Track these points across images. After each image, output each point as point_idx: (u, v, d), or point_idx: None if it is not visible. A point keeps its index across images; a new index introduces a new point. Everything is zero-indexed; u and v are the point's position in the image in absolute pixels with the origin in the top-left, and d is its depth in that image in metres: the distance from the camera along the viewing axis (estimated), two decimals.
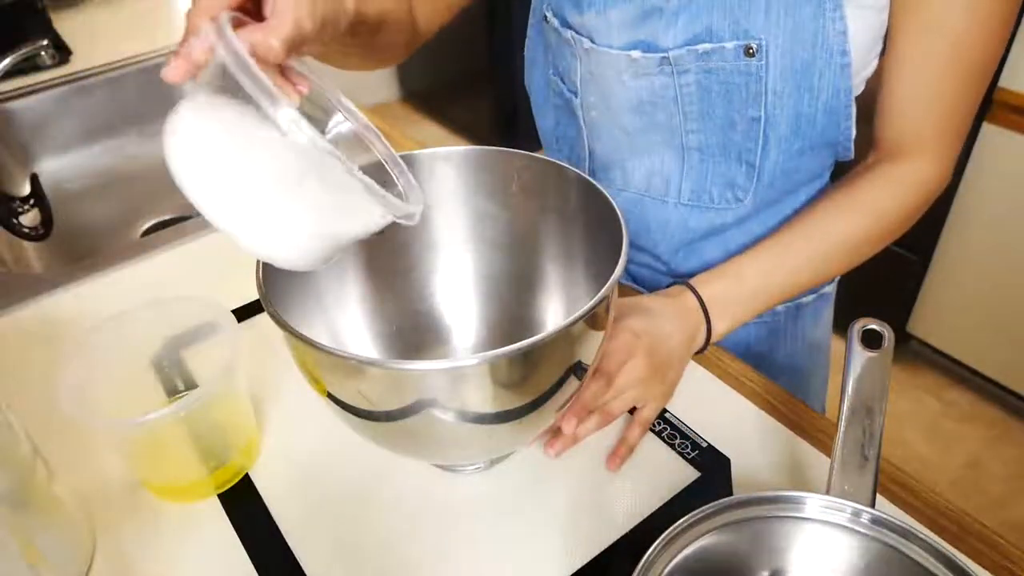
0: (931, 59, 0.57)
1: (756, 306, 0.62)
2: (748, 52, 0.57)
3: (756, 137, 0.62)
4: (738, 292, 0.61)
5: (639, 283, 0.80)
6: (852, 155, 0.65)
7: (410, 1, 0.68)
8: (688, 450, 0.57)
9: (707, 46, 0.58)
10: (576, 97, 0.70)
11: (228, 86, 0.34)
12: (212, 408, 0.53)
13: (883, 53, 0.60)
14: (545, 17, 0.70)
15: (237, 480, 0.57)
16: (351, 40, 0.53)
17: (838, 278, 0.78)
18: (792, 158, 0.64)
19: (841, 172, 0.68)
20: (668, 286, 0.62)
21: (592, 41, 0.64)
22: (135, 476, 0.56)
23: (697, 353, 0.62)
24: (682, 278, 0.63)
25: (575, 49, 0.67)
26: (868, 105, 0.63)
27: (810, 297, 0.76)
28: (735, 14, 0.56)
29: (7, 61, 1.00)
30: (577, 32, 0.66)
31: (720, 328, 0.61)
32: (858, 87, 0.62)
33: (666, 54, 0.60)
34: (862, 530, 0.42)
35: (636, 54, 0.62)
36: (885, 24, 0.58)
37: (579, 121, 0.72)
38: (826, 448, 0.58)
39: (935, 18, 0.55)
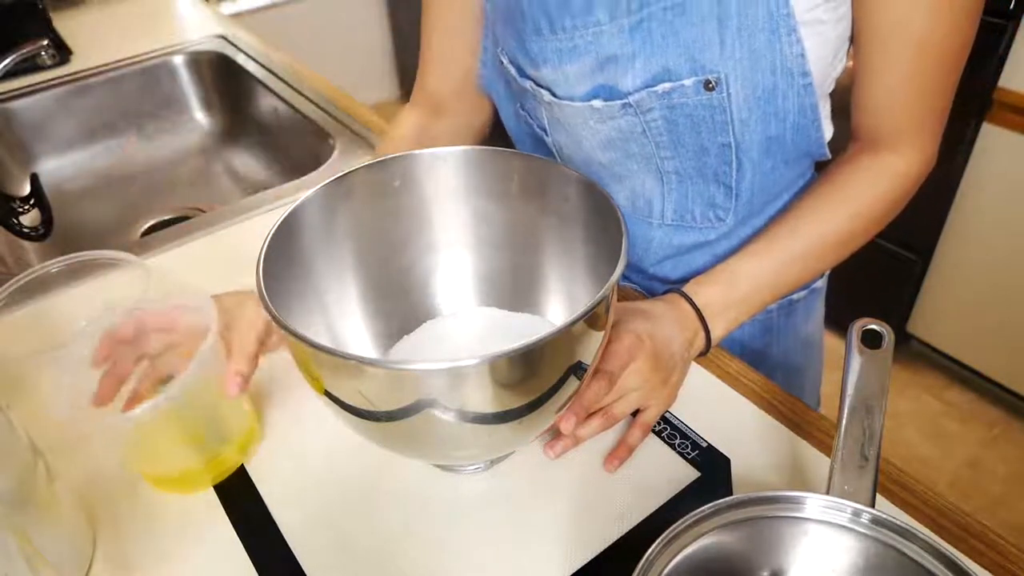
0: (900, 57, 0.56)
1: (750, 308, 0.62)
2: (708, 87, 0.57)
3: (729, 161, 0.62)
4: (732, 296, 0.61)
5: (638, 285, 0.80)
6: (828, 156, 0.65)
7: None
8: (688, 450, 0.57)
9: (667, 85, 0.57)
10: (547, 135, 0.70)
11: None
12: (199, 396, 0.52)
13: (851, 50, 0.60)
14: (501, 61, 0.69)
15: (234, 470, 0.57)
16: None
17: (828, 273, 0.79)
18: (767, 175, 0.64)
19: (825, 161, 0.68)
20: (664, 293, 0.63)
21: (553, 94, 0.63)
22: (133, 469, 0.57)
23: (698, 356, 0.62)
24: (676, 284, 0.63)
25: (537, 97, 0.66)
26: (843, 99, 0.63)
27: (802, 293, 0.76)
28: (690, 51, 0.56)
29: (7, 61, 1.00)
30: (536, 83, 0.65)
31: (718, 332, 0.61)
32: (827, 89, 0.62)
33: (627, 99, 0.59)
34: (862, 530, 0.42)
35: (598, 103, 0.61)
36: (847, 31, 0.57)
37: (554, 155, 0.72)
38: (826, 448, 0.58)
39: (897, 21, 0.54)
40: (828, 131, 0.64)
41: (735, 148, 0.61)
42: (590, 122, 0.63)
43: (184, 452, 0.55)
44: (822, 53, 0.56)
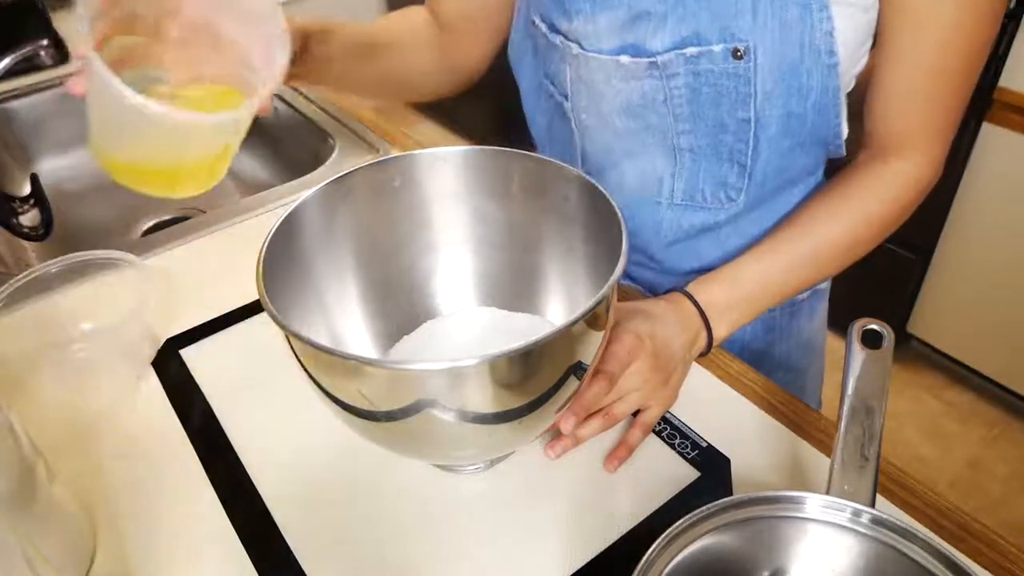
0: (921, 56, 0.56)
1: (753, 310, 0.62)
2: (736, 55, 0.57)
3: (746, 138, 0.62)
4: (735, 297, 0.61)
5: (637, 283, 0.80)
6: (844, 152, 0.65)
7: (433, 41, 0.76)
8: (688, 450, 0.57)
9: (695, 50, 0.58)
10: (567, 100, 0.70)
11: None
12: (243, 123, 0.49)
13: (872, 49, 0.60)
14: (533, 21, 0.70)
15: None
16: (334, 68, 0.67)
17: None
18: (783, 157, 0.64)
19: (834, 168, 0.68)
20: (667, 292, 0.63)
21: (581, 46, 0.64)
22: (105, 149, 0.49)
23: (699, 356, 0.62)
24: (681, 277, 0.63)
25: (564, 54, 0.66)
26: (859, 102, 0.63)
27: (805, 294, 0.76)
28: (722, 17, 0.56)
29: (7, 61, 1.00)
30: (566, 37, 0.65)
31: (720, 333, 0.61)
32: (848, 84, 0.62)
33: (654, 58, 0.60)
34: (862, 530, 0.42)
35: (625, 59, 0.61)
36: (873, 22, 0.57)
37: (571, 124, 0.72)
38: (826, 448, 0.58)
39: (924, 15, 0.55)
40: (845, 129, 0.65)
41: (754, 124, 0.61)
42: (613, 80, 0.64)
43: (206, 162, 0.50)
44: (849, 37, 0.57)
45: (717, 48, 0.57)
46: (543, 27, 0.68)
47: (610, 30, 0.61)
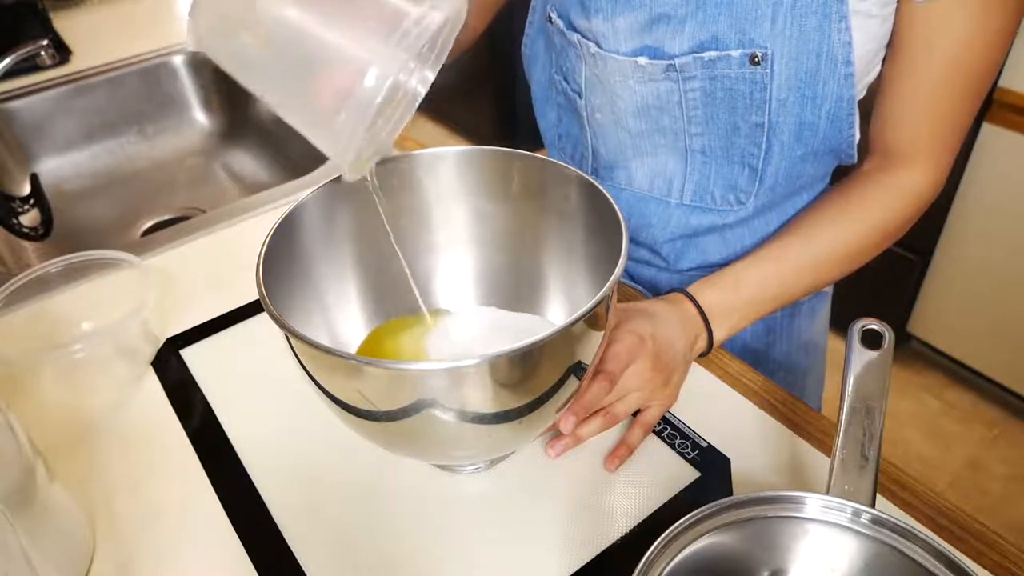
0: (931, 70, 0.57)
1: (752, 314, 0.62)
2: (753, 61, 0.57)
3: (759, 142, 0.62)
4: (735, 300, 0.61)
5: (638, 282, 0.80)
6: (855, 160, 0.65)
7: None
8: (688, 450, 0.57)
9: (713, 54, 0.58)
10: (580, 98, 0.71)
11: None
12: None
13: (885, 60, 0.60)
14: (550, 18, 0.70)
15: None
16: None
17: None
18: (795, 164, 0.64)
19: (839, 174, 0.68)
20: (668, 292, 0.63)
21: (598, 46, 0.64)
22: None
23: (699, 357, 0.62)
24: (683, 273, 0.62)
25: (580, 52, 0.67)
26: (868, 109, 0.63)
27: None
28: (741, 23, 0.56)
29: (7, 61, 1.00)
30: (583, 36, 0.66)
31: (720, 335, 0.61)
32: (860, 92, 0.62)
33: (672, 61, 0.60)
34: (862, 530, 0.42)
35: (643, 60, 0.62)
36: (889, 33, 0.58)
37: (583, 121, 0.73)
38: (826, 448, 0.58)
39: (936, 30, 0.55)
40: (857, 137, 0.65)
41: (767, 129, 0.61)
42: (630, 81, 0.64)
43: None
44: (867, 48, 0.57)
45: (735, 53, 0.58)
46: (560, 24, 0.68)
47: (629, 31, 0.62)
